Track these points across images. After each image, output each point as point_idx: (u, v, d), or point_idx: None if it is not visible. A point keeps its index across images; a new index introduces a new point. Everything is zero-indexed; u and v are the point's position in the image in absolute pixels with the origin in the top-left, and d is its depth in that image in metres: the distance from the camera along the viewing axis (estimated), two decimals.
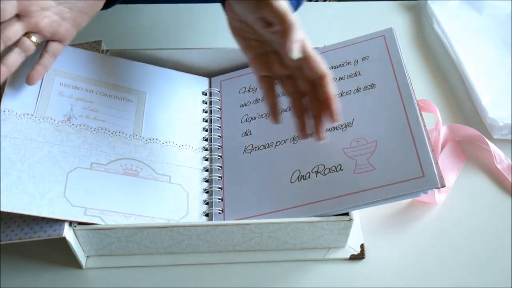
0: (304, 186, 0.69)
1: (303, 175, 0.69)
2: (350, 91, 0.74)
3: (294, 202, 0.68)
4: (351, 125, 0.71)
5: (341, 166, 0.68)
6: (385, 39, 0.76)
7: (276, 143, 0.74)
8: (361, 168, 0.67)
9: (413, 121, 0.68)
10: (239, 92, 0.81)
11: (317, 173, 0.69)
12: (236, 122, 0.78)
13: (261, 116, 0.77)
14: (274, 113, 0.69)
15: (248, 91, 0.80)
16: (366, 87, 0.73)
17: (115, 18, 1.00)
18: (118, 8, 1.01)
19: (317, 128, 0.66)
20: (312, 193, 0.67)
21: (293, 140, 0.73)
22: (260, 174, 0.72)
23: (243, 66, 0.83)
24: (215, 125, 0.78)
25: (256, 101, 0.79)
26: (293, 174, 0.70)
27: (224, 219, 0.69)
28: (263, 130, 0.76)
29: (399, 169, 0.65)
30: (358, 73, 0.75)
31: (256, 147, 0.74)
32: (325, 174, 0.68)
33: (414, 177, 0.64)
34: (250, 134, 0.76)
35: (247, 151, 0.75)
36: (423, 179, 0.64)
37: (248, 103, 0.79)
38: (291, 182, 0.70)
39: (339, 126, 0.71)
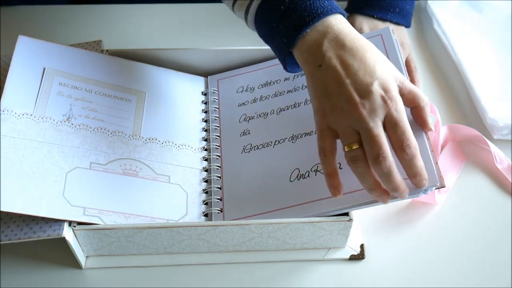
0: (303, 185, 0.68)
1: (302, 174, 0.69)
2: None
3: (293, 201, 0.68)
4: None
5: (340, 165, 0.68)
6: (382, 39, 0.76)
7: (275, 142, 0.73)
8: None
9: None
10: (236, 92, 0.81)
11: (316, 171, 0.69)
12: (234, 121, 0.78)
13: (260, 115, 0.77)
14: (336, 185, 0.62)
15: (246, 90, 0.80)
16: None
17: (115, 18, 1.00)
18: (118, 8, 1.02)
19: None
20: (311, 192, 0.67)
21: (292, 139, 0.73)
22: (259, 173, 0.72)
23: (242, 66, 0.83)
24: (213, 125, 0.78)
25: (254, 100, 0.79)
26: (292, 173, 0.70)
27: (223, 219, 0.69)
28: (261, 130, 0.76)
29: (398, 168, 0.65)
30: None
31: (254, 147, 0.74)
32: None
33: None
34: (249, 133, 0.76)
35: (245, 151, 0.74)
36: None
37: (246, 103, 0.79)
38: (291, 181, 0.69)
39: None
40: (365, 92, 0.59)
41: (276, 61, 0.80)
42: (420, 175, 0.60)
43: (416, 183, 0.61)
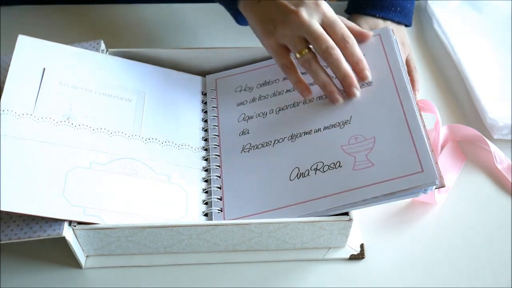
0: (303, 184, 0.69)
1: (302, 173, 0.69)
2: None
3: (293, 200, 0.68)
4: (349, 122, 0.71)
5: (340, 163, 0.68)
6: (380, 38, 0.76)
7: (274, 141, 0.74)
8: (360, 165, 0.67)
9: (411, 117, 0.68)
10: (235, 91, 0.81)
11: (316, 170, 0.69)
12: (233, 121, 0.78)
13: (259, 115, 0.77)
14: (305, 88, 0.73)
15: (245, 90, 0.80)
16: (363, 85, 0.73)
17: (115, 18, 1.00)
18: (118, 8, 1.02)
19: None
20: (311, 190, 0.68)
21: (291, 138, 0.73)
22: (258, 172, 0.72)
23: (242, 66, 0.83)
24: (212, 124, 0.78)
25: (253, 100, 0.79)
26: (292, 171, 0.70)
27: (224, 218, 0.69)
28: (260, 129, 0.76)
29: (398, 165, 0.65)
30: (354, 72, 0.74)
31: (254, 146, 0.74)
32: (324, 171, 0.68)
33: (413, 172, 0.64)
34: (248, 133, 0.76)
35: (245, 150, 0.74)
36: (422, 174, 0.64)
37: (245, 102, 0.79)
38: (290, 180, 0.70)
39: (337, 124, 0.71)
40: (298, 1, 0.70)
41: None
42: (362, 61, 0.71)
43: (359, 71, 0.71)
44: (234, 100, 0.80)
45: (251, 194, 0.70)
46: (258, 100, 0.79)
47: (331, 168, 0.68)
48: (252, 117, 0.77)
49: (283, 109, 0.76)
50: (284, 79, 0.79)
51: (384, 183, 0.64)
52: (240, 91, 0.81)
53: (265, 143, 0.74)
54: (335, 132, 0.71)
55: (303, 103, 0.75)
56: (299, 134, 0.73)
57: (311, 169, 0.69)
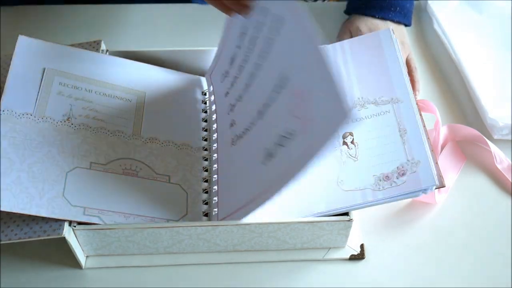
0: (274, 164, 0.62)
1: (271, 153, 0.62)
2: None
3: (269, 183, 0.61)
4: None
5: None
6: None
7: (250, 124, 0.68)
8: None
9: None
10: (221, 82, 0.77)
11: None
12: (224, 115, 0.75)
13: (237, 99, 0.72)
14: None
15: (226, 76, 0.76)
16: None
17: (115, 18, 1.00)
18: (118, 8, 1.02)
19: None
20: (283, 168, 0.60)
21: (259, 115, 0.67)
22: (241, 163, 0.68)
23: None
24: (213, 125, 0.78)
25: (232, 84, 0.74)
26: (262, 154, 0.63)
27: (217, 218, 0.69)
28: (241, 114, 0.71)
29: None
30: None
31: (238, 136, 0.70)
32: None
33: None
34: (235, 124, 0.72)
35: (233, 144, 0.70)
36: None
37: (229, 90, 0.75)
38: (263, 164, 0.63)
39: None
40: None
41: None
42: None
43: None
44: (222, 92, 0.76)
45: (237, 187, 0.67)
46: (235, 78, 0.73)
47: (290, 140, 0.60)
48: (234, 105, 0.73)
49: (250, 85, 0.70)
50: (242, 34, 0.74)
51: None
52: (224, 78, 0.77)
53: (245, 130, 0.69)
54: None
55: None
56: (265, 108, 0.66)
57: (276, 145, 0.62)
